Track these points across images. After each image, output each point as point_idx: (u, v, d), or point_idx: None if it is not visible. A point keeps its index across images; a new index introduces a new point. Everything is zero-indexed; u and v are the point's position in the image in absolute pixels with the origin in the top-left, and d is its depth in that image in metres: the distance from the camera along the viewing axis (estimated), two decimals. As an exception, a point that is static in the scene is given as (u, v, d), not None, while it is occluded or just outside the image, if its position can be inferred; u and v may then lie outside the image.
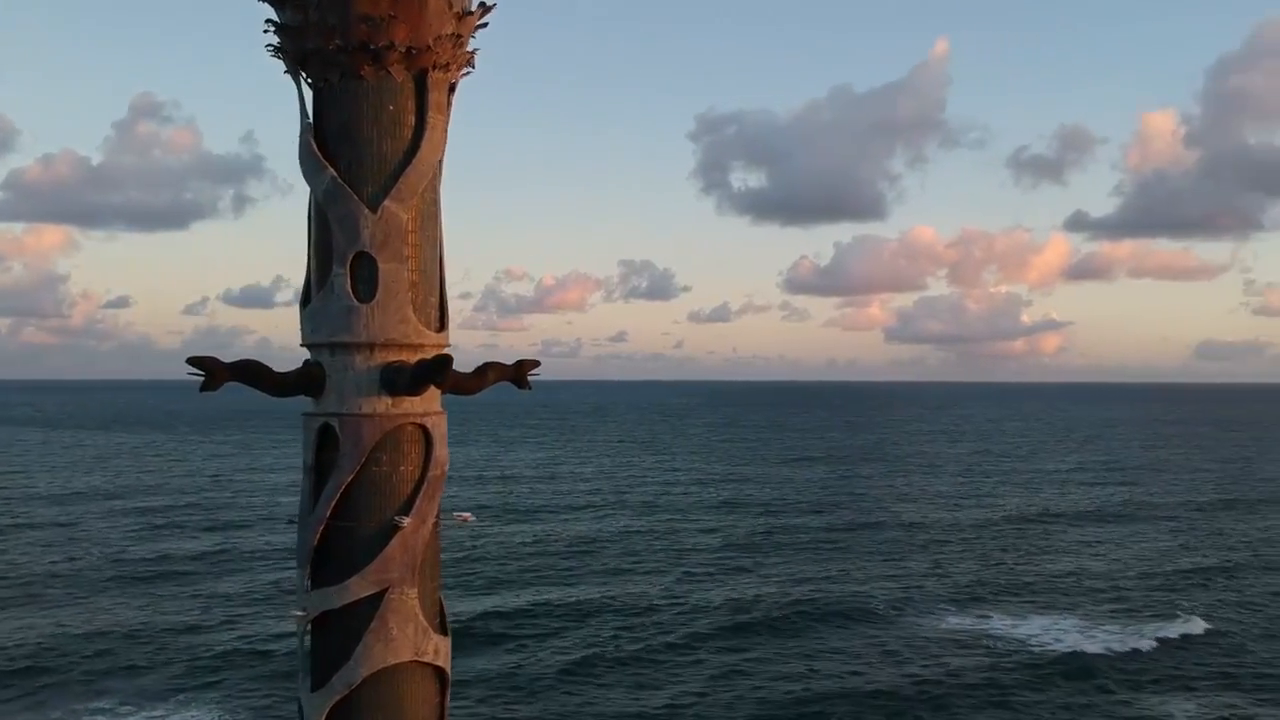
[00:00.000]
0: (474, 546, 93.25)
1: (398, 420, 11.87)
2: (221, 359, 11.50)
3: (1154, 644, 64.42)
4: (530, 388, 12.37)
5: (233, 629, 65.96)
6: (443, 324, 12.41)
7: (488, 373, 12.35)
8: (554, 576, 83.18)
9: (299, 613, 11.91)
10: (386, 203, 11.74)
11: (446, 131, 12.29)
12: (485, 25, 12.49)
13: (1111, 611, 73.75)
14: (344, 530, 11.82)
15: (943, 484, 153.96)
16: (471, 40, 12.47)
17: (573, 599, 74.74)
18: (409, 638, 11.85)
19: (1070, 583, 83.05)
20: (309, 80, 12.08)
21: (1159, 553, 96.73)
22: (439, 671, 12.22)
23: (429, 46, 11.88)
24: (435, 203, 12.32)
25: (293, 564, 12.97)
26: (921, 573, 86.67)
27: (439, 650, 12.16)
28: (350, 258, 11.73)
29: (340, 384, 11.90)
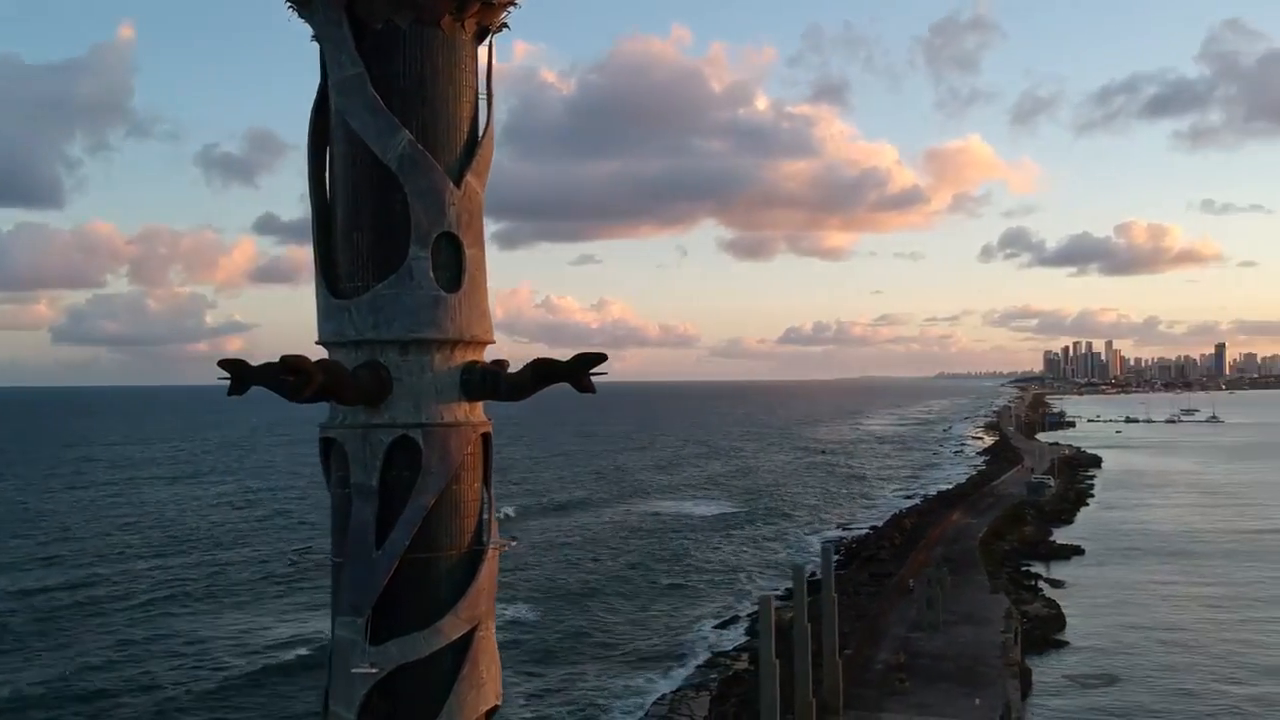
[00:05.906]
0: None
1: (479, 429, 10.15)
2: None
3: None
4: (594, 390, 11.12)
5: None
6: None
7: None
8: None
9: (368, 669, 9.50)
10: (469, 177, 10.01)
11: None
12: None
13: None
14: (420, 563, 9.79)
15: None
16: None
17: None
18: (493, 679, 10.16)
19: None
20: (358, 19, 9.78)
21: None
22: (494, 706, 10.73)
23: (503, 4, 10.39)
24: None
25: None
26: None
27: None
28: (433, 239, 9.81)
29: (415, 388, 9.72)
